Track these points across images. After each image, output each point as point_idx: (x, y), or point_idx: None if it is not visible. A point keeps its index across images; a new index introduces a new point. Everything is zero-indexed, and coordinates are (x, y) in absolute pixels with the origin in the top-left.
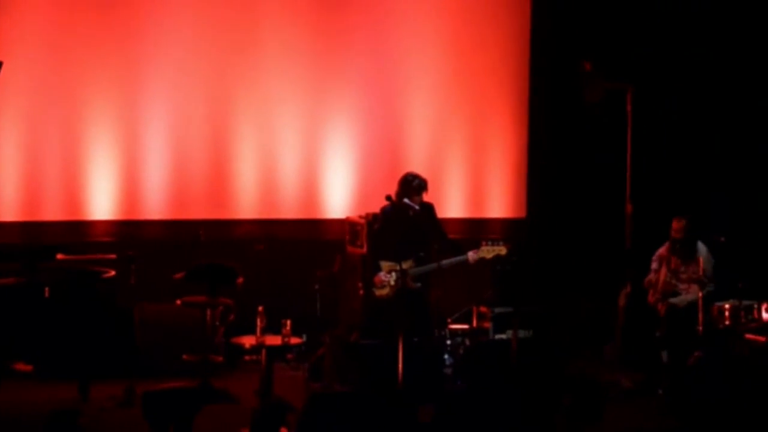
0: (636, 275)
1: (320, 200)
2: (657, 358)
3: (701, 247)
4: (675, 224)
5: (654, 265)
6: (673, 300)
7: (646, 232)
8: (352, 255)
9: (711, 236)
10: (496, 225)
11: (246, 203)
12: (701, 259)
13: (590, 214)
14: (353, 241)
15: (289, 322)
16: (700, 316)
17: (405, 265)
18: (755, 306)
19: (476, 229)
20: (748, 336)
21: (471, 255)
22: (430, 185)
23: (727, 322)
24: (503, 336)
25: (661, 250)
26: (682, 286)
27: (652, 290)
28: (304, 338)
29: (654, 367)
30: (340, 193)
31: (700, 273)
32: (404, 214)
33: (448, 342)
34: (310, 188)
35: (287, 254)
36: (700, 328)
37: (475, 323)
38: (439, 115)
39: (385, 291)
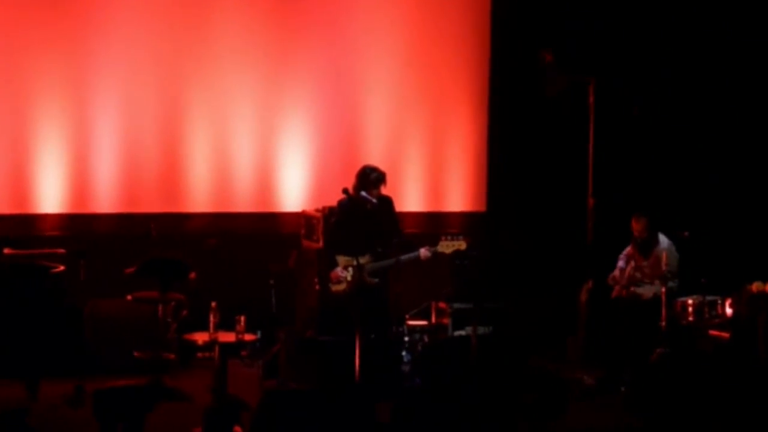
0: (598, 271)
1: (275, 193)
2: (619, 353)
3: (664, 242)
4: (634, 224)
5: (620, 263)
6: (637, 290)
7: (608, 227)
8: (307, 249)
9: (675, 231)
10: (456, 219)
11: (199, 196)
12: (664, 254)
13: (551, 209)
14: (309, 236)
15: (243, 318)
16: (663, 311)
17: (362, 260)
18: (719, 301)
19: (435, 223)
20: (712, 332)
21: (423, 252)
22: (388, 178)
23: (690, 318)
24: (462, 332)
25: (628, 249)
26: (645, 281)
27: (617, 286)
28: (259, 335)
29: (616, 363)
30: (295, 186)
31: (663, 268)
32: (362, 207)
33: (406, 338)
34: (265, 181)
35: (241, 248)
36: (663, 323)
37: (433, 319)
38: (398, 107)
39: (341, 286)
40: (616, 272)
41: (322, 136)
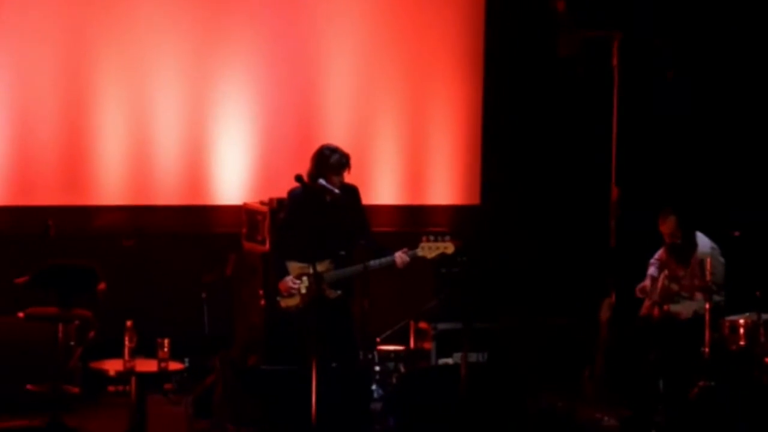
0: (623, 281)
1: (209, 181)
2: (650, 387)
3: (705, 244)
4: (661, 225)
5: (651, 270)
6: (674, 308)
7: (636, 225)
8: (250, 253)
9: (721, 230)
10: (441, 214)
11: (110, 185)
12: (708, 261)
13: (563, 202)
14: (252, 235)
15: (167, 341)
16: (707, 334)
17: (320, 267)
18: None
19: (415, 219)
20: None
21: (399, 257)
22: (354, 162)
23: (741, 342)
24: (449, 361)
25: (661, 253)
26: (683, 296)
27: (647, 300)
28: (187, 363)
29: (646, 400)
30: (235, 173)
31: (707, 279)
32: (319, 199)
33: (378, 368)
34: (196, 166)
35: (164, 252)
36: (707, 349)
37: (412, 343)
38: (366, 75)
39: (293, 301)
40: (647, 282)
41: (270, 112)
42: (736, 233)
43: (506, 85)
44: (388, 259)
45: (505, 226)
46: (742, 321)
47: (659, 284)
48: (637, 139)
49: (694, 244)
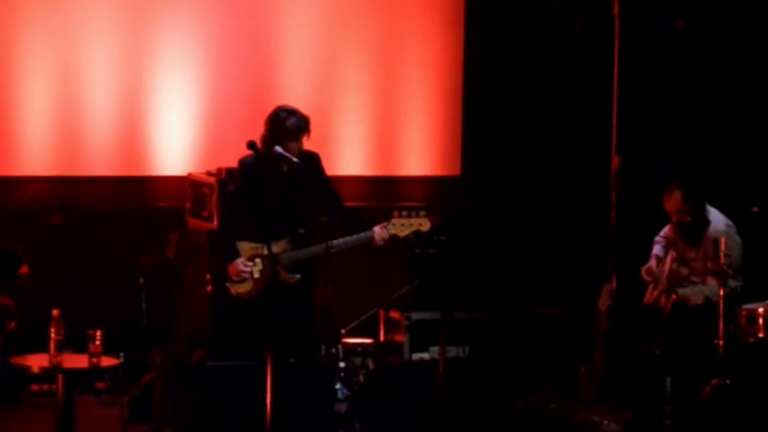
0: (625, 264)
1: (147, 149)
2: (656, 386)
3: (719, 221)
4: (666, 201)
5: (656, 249)
6: (682, 291)
7: (640, 200)
8: (194, 231)
9: (737, 204)
10: (416, 187)
11: (33, 153)
12: (722, 240)
13: (557, 172)
14: (197, 211)
15: (99, 333)
16: (721, 324)
17: (276, 248)
18: None
19: (385, 192)
20: None
21: (378, 232)
22: (314, 127)
23: (760, 334)
24: (425, 356)
25: (668, 230)
26: (695, 280)
27: (652, 286)
28: (122, 358)
29: (651, 401)
30: (177, 139)
31: (721, 261)
32: (275, 169)
33: (342, 364)
34: (132, 131)
35: (96, 230)
36: (720, 342)
37: (382, 336)
38: (330, 28)
39: (245, 287)
40: (652, 262)
41: (218, 69)
42: (755, 209)
43: (491, 40)
44: (362, 236)
45: (490, 200)
46: (761, 309)
47: (666, 268)
48: (641, 101)
49: (705, 221)
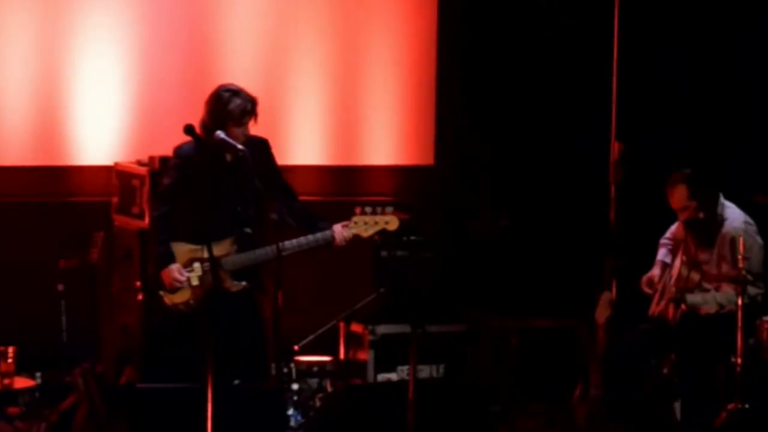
0: (627, 269)
1: (68, 135)
2: (663, 412)
3: (736, 218)
4: (670, 198)
5: (661, 253)
6: (692, 299)
7: (645, 194)
8: (122, 231)
9: (757, 198)
10: (382, 178)
11: None
12: (740, 240)
13: (547, 163)
14: (126, 207)
15: (11, 350)
16: (739, 339)
17: (218, 250)
18: None
19: (347, 184)
20: None
21: (338, 232)
22: (264, 110)
23: None
24: (392, 376)
25: (676, 229)
26: (708, 286)
27: (657, 296)
28: (39, 379)
29: (657, 429)
30: (102, 124)
31: (739, 265)
32: (217, 158)
33: (295, 386)
34: (51, 116)
35: (7, 228)
36: (738, 359)
37: (342, 353)
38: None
39: (182, 296)
40: (655, 270)
41: (151, 44)
42: None
43: (469, 11)
44: (320, 236)
45: (469, 194)
46: None
47: (674, 273)
48: (644, 79)
49: (720, 218)
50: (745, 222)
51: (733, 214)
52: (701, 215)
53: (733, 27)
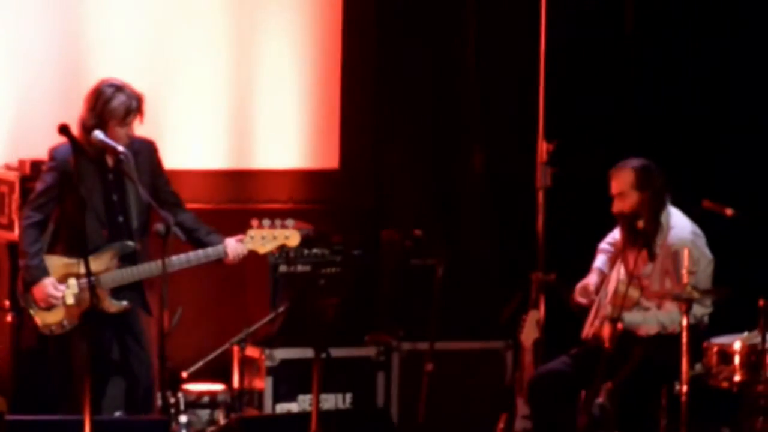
0: (555, 285)
1: None
2: None
3: (684, 228)
4: (612, 180)
5: (599, 261)
6: (630, 318)
7: (578, 198)
8: None
9: (704, 205)
10: (282, 183)
11: None
12: (686, 252)
13: (464, 163)
14: None
15: None
16: (684, 364)
17: (96, 265)
18: None
19: (241, 190)
20: None
21: (232, 247)
22: (149, 109)
23: (737, 377)
24: (292, 406)
25: (617, 236)
26: (648, 304)
27: (592, 312)
28: None
29: None
30: None
31: (683, 280)
32: (97, 161)
33: (184, 419)
34: None
35: None
36: (683, 387)
37: (236, 380)
38: None
39: (55, 316)
40: (592, 278)
41: (21, 34)
42: (729, 211)
43: (377, 5)
44: (211, 251)
45: (378, 201)
46: (737, 345)
47: (610, 287)
48: (577, 67)
49: (664, 226)
50: (693, 232)
51: (680, 223)
52: (640, 224)
53: (667, 19)
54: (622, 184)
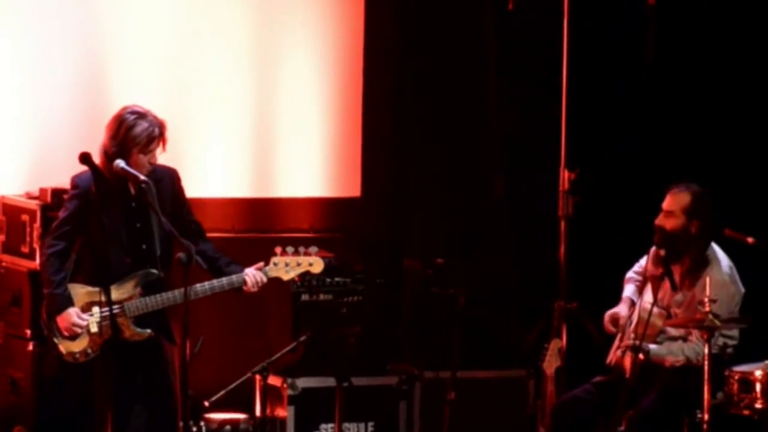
0: (577, 314)
1: None
2: None
3: (723, 264)
4: (669, 197)
5: (628, 290)
6: (656, 350)
7: (599, 228)
8: (11, 273)
9: (724, 233)
10: (303, 212)
11: None
12: (707, 281)
13: (485, 192)
14: (14, 245)
15: None
16: (706, 391)
17: (119, 294)
18: None
19: (263, 219)
20: None
21: (252, 275)
22: (171, 138)
23: (758, 405)
24: None
25: (646, 263)
26: (674, 333)
27: (618, 340)
28: None
29: None
30: None
31: (705, 308)
32: (119, 190)
33: None
34: None
35: None
36: (705, 415)
37: (258, 409)
38: (188, 8)
39: (79, 345)
40: (622, 307)
41: (41, 61)
42: (750, 240)
43: (398, 34)
44: (233, 279)
45: (400, 229)
46: (759, 373)
47: (635, 315)
48: (596, 96)
49: (706, 260)
50: (730, 266)
51: (721, 256)
52: (661, 253)
53: (688, 49)
54: (675, 205)
